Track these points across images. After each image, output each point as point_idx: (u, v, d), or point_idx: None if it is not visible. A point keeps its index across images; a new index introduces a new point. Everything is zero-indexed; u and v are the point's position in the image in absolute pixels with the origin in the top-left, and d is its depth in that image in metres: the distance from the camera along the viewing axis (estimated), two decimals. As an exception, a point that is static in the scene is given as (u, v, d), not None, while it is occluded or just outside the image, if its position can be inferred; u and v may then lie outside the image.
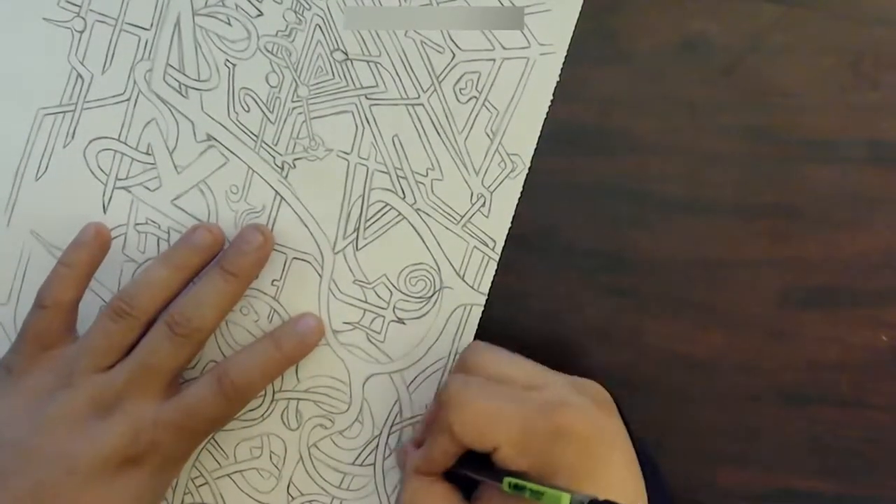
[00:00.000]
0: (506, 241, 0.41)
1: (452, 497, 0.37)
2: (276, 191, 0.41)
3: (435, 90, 0.40)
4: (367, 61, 0.40)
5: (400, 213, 0.41)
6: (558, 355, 0.41)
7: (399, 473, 0.41)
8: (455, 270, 0.41)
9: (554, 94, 0.40)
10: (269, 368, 0.39)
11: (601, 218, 0.40)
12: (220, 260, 0.39)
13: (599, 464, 0.34)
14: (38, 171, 0.41)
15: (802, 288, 0.40)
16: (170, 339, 0.38)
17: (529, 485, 0.33)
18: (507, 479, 0.34)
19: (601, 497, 0.31)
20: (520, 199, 0.40)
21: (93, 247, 0.39)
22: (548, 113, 0.40)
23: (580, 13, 0.40)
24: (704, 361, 0.40)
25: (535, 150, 0.40)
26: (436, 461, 0.37)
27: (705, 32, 0.39)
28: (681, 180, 0.40)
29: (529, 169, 0.40)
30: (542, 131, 0.40)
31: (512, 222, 0.41)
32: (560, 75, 0.40)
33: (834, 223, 0.39)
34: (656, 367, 0.40)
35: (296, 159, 0.41)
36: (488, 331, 0.41)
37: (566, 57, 0.40)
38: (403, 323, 0.41)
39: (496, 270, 0.41)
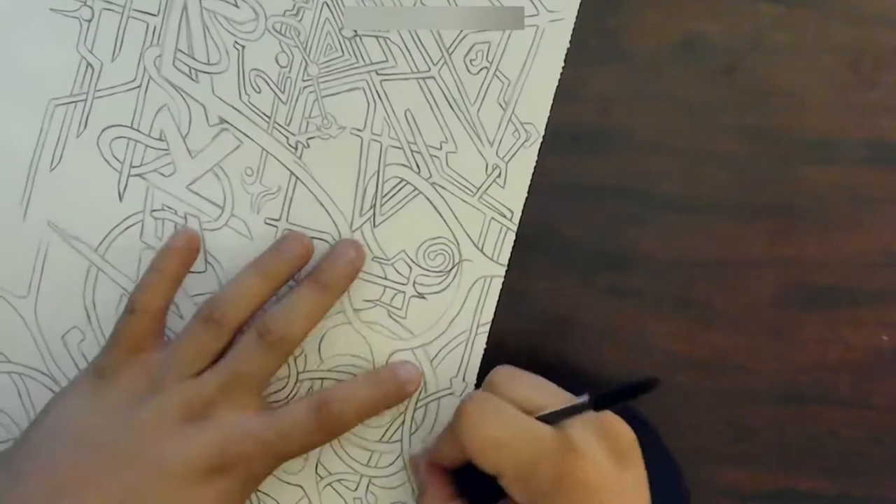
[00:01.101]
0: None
1: None
2: (290, 171, 0.41)
3: (445, 62, 0.40)
4: (377, 36, 0.40)
5: (416, 188, 0.41)
6: (558, 355, 0.41)
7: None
8: (473, 243, 0.41)
9: (565, 62, 0.40)
10: (366, 407, 0.39)
11: (601, 218, 0.40)
12: (314, 272, 0.39)
13: None
14: (52, 161, 0.41)
15: (802, 288, 0.40)
16: (260, 348, 0.38)
17: None
18: None
19: None
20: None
21: (183, 253, 0.39)
22: (548, 113, 0.40)
23: (579, 13, 0.39)
24: (704, 361, 0.40)
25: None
26: (443, 459, 0.38)
27: (705, 32, 0.39)
28: (681, 180, 0.40)
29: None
30: (541, 131, 0.40)
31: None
32: (560, 75, 0.40)
33: (834, 223, 0.40)
34: (656, 367, 0.41)
35: (309, 139, 0.41)
36: (488, 331, 0.41)
37: (566, 57, 0.40)
38: (424, 298, 0.41)
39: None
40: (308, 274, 0.40)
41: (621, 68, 0.40)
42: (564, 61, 0.40)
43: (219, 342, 0.39)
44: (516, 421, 0.35)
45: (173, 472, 0.36)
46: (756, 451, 0.40)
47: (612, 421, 0.36)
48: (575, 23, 0.39)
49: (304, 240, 0.40)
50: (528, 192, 0.40)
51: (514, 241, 0.40)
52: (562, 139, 0.40)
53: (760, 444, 0.40)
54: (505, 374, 0.38)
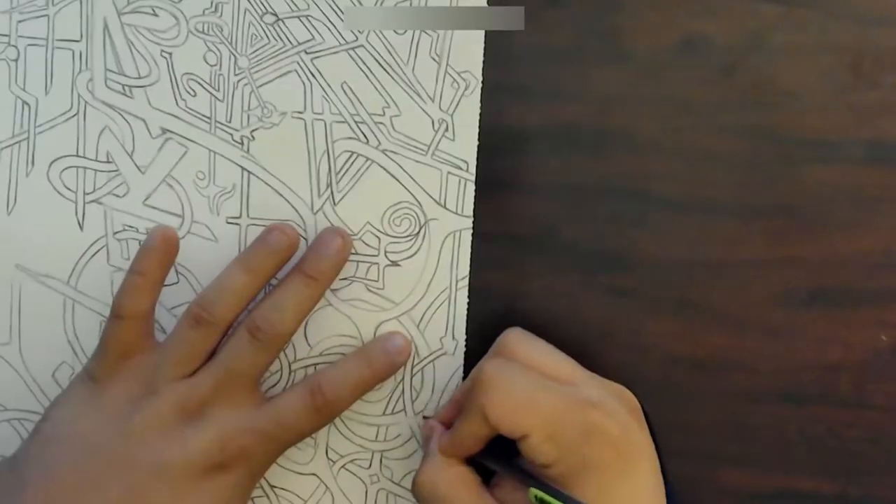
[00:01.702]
0: (505, 241, 0.40)
1: (471, 480, 0.37)
2: (241, 167, 0.41)
3: (371, 28, 0.40)
4: (298, 17, 0.40)
5: (368, 159, 0.41)
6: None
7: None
8: (435, 201, 0.41)
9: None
10: (359, 385, 0.39)
11: (601, 218, 0.40)
12: (300, 264, 0.39)
13: (628, 468, 0.35)
14: (7, 205, 0.41)
15: (802, 288, 0.40)
16: (252, 345, 0.38)
17: (555, 502, 0.34)
18: (532, 491, 0.34)
19: None
20: (519, 198, 0.40)
21: (161, 251, 0.38)
22: (547, 113, 0.40)
23: (580, 13, 0.39)
24: (704, 361, 0.40)
25: (535, 150, 0.40)
26: (464, 444, 0.37)
27: (705, 32, 0.39)
28: (681, 180, 0.40)
29: (529, 167, 0.40)
30: (540, 132, 0.40)
31: (512, 222, 0.40)
32: (560, 75, 0.40)
33: (834, 223, 0.39)
34: (656, 367, 0.40)
35: (253, 131, 0.41)
36: (488, 331, 0.40)
37: (565, 57, 0.40)
38: (398, 265, 0.41)
39: (495, 270, 0.40)
40: (295, 266, 0.39)
41: (621, 68, 0.40)
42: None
43: (210, 342, 0.39)
44: (535, 380, 0.35)
45: (175, 474, 0.36)
46: (756, 451, 0.40)
47: (617, 387, 0.37)
48: (575, 22, 0.39)
49: (288, 230, 0.39)
50: (529, 192, 0.40)
51: (514, 240, 0.40)
52: (562, 139, 0.40)
53: (760, 444, 0.40)
54: (518, 338, 0.38)
